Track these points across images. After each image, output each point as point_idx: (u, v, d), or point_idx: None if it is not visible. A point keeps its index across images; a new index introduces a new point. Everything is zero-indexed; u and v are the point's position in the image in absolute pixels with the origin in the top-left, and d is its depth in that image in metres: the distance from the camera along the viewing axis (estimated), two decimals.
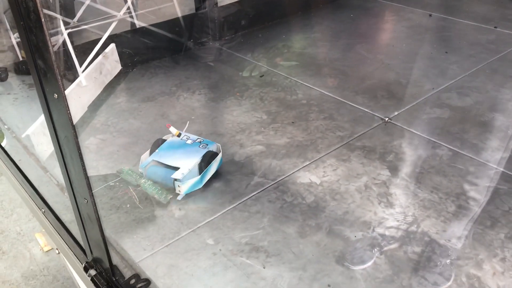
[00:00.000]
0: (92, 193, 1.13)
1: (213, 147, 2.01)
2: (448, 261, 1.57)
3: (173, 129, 2.06)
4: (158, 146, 2.02)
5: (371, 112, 2.40)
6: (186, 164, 1.89)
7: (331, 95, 2.56)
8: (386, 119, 2.33)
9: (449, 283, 1.49)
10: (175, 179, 1.86)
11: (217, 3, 3.22)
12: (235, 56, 3.07)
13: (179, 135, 2.06)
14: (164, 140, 2.06)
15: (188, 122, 2.34)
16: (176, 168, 1.88)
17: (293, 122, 2.35)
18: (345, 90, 2.60)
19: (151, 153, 2.01)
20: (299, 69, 2.87)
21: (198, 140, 2.03)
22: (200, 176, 1.90)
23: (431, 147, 2.12)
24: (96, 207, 1.16)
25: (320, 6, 3.80)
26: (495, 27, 3.26)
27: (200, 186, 1.92)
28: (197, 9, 3.19)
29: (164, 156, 1.96)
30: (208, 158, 1.94)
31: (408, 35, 3.27)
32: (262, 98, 2.57)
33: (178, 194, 1.88)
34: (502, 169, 1.96)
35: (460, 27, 3.33)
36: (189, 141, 2.03)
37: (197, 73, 2.88)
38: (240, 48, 3.16)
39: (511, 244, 1.62)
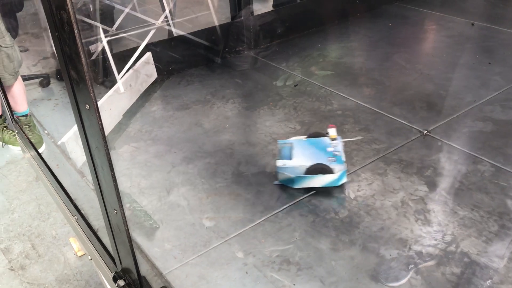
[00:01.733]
0: (121, 204, 1.12)
1: (334, 165, 1.88)
2: (489, 284, 1.48)
3: (332, 130, 2.03)
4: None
5: (408, 124, 2.32)
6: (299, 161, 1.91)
7: (367, 106, 2.50)
8: (425, 131, 2.25)
9: None
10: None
11: (253, 12, 3.22)
12: (270, 65, 3.04)
13: (333, 139, 2.01)
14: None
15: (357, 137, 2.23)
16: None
17: (327, 134, 2.30)
18: (382, 101, 2.53)
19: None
20: (334, 78, 2.81)
21: (336, 153, 1.94)
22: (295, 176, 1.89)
23: (472, 162, 2.03)
24: (125, 218, 1.15)
25: (358, 15, 3.73)
26: None
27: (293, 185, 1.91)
28: (233, 18, 3.19)
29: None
30: (316, 170, 1.87)
31: (449, 45, 3.16)
32: (295, 108, 2.53)
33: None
34: None
35: (504, 37, 3.19)
36: (330, 149, 1.97)
37: (232, 81, 2.87)
38: (275, 57, 3.13)
39: None
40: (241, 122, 2.46)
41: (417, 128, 2.29)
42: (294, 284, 1.53)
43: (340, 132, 2.28)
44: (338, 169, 1.87)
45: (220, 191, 1.97)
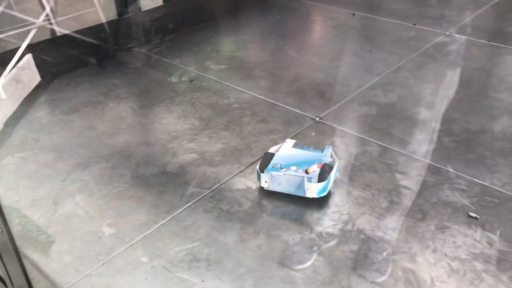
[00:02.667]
0: (6, 221, 1.04)
1: (327, 156, 1.92)
2: (383, 257, 1.60)
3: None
4: (270, 159, 1.91)
5: (302, 113, 2.42)
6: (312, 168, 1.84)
7: (263, 98, 2.55)
8: (317, 119, 2.36)
9: (385, 278, 1.52)
10: (308, 177, 1.79)
11: (141, 8, 3.12)
12: (163, 61, 2.98)
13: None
14: (273, 154, 1.95)
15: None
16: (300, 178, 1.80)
17: (226, 126, 2.32)
18: (276, 92, 2.61)
19: (262, 167, 1.87)
20: (229, 72, 2.84)
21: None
22: (324, 183, 1.80)
23: (361, 144, 2.17)
24: (12, 236, 1.07)
25: (247, 9, 3.79)
26: (414, 24, 3.40)
27: (324, 193, 1.82)
28: (120, 14, 3.07)
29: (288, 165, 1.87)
30: (327, 170, 1.84)
31: (334, 35, 3.34)
32: (193, 104, 2.51)
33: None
34: (428, 162, 2.04)
35: (382, 25, 3.44)
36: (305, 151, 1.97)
37: (125, 80, 2.77)
38: (168, 53, 3.08)
39: (441, 235, 1.68)
40: (137, 122, 2.38)
41: (310, 116, 2.39)
42: (203, 281, 1.53)
43: (239, 125, 2.31)
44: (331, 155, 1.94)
45: (120, 196, 1.90)
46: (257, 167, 1.90)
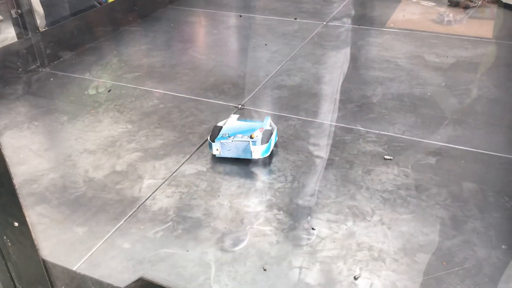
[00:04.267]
0: None
1: (267, 124, 2.25)
2: (330, 201, 1.91)
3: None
4: (219, 131, 2.20)
5: (225, 103, 2.66)
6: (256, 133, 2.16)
7: (185, 96, 2.75)
8: (240, 106, 2.62)
9: (338, 216, 1.84)
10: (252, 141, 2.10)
11: (38, 29, 3.10)
12: (73, 77, 3.01)
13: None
14: (221, 127, 2.24)
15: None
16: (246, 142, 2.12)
17: (159, 125, 2.47)
18: (195, 90, 2.82)
19: (213, 137, 2.17)
20: (144, 78, 2.97)
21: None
22: (267, 145, 2.13)
23: (284, 121, 2.48)
24: None
25: (139, 21, 3.92)
26: (295, 19, 3.84)
27: (267, 153, 2.14)
28: (18, 36, 3.02)
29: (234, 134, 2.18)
30: (267, 134, 2.17)
31: (229, 35, 3.64)
32: (119, 110, 2.61)
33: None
34: (342, 125, 2.42)
35: (268, 23, 3.83)
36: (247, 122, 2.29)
37: (38, 101, 2.75)
38: (76, 69, 3.10)
39: (369, 176, 2.05)
40: (70, 134, 2.42)
41: (233, 104, 2.64)
42: (187, 250, 1.70)
43: (170, 122, 2.48)
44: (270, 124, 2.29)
45: (78, 201, 1.96)
46: (208, 138, 2.20)
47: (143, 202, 1.94)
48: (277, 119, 2.50)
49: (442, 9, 3.94)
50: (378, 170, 2.09)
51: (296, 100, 2.67)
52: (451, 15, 3.79)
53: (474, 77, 2.85)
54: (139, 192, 2.00)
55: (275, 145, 2.25)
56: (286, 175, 2.07)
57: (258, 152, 2.12)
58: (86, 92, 2.82)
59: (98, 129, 2.45)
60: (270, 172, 2.09)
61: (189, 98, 2.73)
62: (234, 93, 2.77)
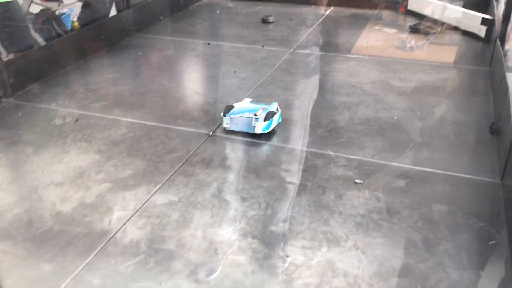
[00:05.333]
0: None
1: (273, 107, 2.65)
2: (304, 227, 1.91)
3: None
4: (231, 109, 2.62)
5: (196, 130, 2.65)
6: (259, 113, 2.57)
7: (155, 124, 2.72)
8: (211, 133, 2.61)
9: (312, 243, 1.83)
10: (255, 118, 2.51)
11: (1, 58, 3.03)
12: (39, 107, 2.94)
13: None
14: (233, 106, 2.66)
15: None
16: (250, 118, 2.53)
17: (128, 154, 2.43)
18: (165, 117, 2.80)
19: (225, 113, 2.60)
20: (112, 107, 2.93)
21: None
22: (268, 122, 2.53)
23: (256, 147, 2.48)
24: None
25: (106, 49, 3.89)
26: (263, 46, 3.90)
27: (268, 129, 2.54)
28: None
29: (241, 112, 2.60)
30: (270, 114, 2.56)
31: (198, 62, 3.65)
32: (87, 140, 2.56)
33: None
34: (312, 150, 2.44)
35: (236, 50, 3.87)
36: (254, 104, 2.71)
37: (1, 133, 2.67)
38: (41, 99, 3.04)
39: (341, 201, 2.06)
40: (36, 166, 2.35)
41: (203, 131, 2.63)
42: (160, 284, 1.65)
43: (140, 151, 2.45)
44: (276, 107, 2.68)
45: (46, 236, 1.89)
46: (222, 113, 2.61)
47: (114, 235, 1.89)
48: (248, 145, 2.50)
49: (404, 36, 4.07)
50: (350, 194, 2.10)
51: None
52: (413, 41, 3.92)
53: (438, 101, 2.94)
54: (109, 224, 1.95)
55: (252, 171, 2.25)
56: (259, 202, 2.06)
57: (260, 127, 2.51)
58: (52, 122, 2.76)
59: (66, 160, 2.39)
60: (243, 199, 2.08)
61: (158, 126, 2.70)
62: (205, 120, 2.76)
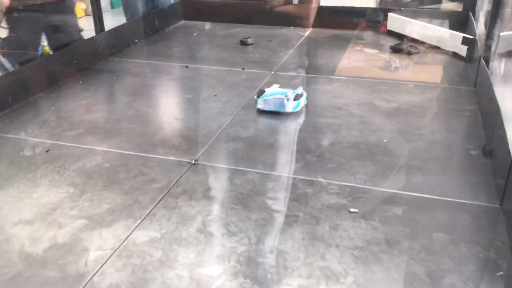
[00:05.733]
0: None
1: (299, 90, 3.09)
2: (300, 263, 1.76)
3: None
4: (263, 93, 3.04)
5: (177, 159, 2.49)
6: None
7: (132, 153, 2.55)
8: (193, 161, 2.46)
9: (309, 280, 1.68)
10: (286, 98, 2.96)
11: None
12: (6, 138, 2.74)
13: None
14: (264, 91, 3.08)
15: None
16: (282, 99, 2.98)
17: (104, 187, 2.25)
18: (143, 145, 2.63)
19: (259, 95, 3.03)
20: (86, 136, 2.75)
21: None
22: (297, 101, 2.98)
23: (242, 175, 2.34)
24: None
25: (79, 74, 3.72)
26: (243, 69, 3.79)
27: (297, 108, 2.98)
28: None
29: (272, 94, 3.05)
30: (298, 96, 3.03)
31: (177, 86, 3.51)
32: (59, 173, 2.37)
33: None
34: (302, 177, 2.31)
35: (216, 73, 3.75)
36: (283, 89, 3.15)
37: None
38: (8, 129, 2.84)
39: (337, 232, 1.92)
40: (1, 202, 2.14)
41: (185, 160, 2.48)
42: None
43: (117, 183, 2.27)
44: (302, 91, 3.11)
45: (15, 281, 1.69)
46: (255, 96, 3.04)
47: (90, 279, 1.70)
48: (233, 173, 2.36)
49: (386, 56, 4.04)
50: (345, 225, 1.97)
51: (253, 152, 2.54)
52: (395, 61, 3.88)
53: (426, 122, 2.87)
54: (85, 266, 1.76)
55: (240, 201, 2.10)
56: (249, 236, 1.91)
57: (290, 106, 2.94)
58: (21, 153, 2.56)
59: (36, 195, 2.19)
60: (232, 234, 1.92)
61: (136, 155, 2.53)
62: (186, 147, 2.61)
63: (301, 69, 3.79)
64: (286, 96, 2.96)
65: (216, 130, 2.79)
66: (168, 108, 3.16)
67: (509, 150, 2.13)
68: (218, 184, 2.28)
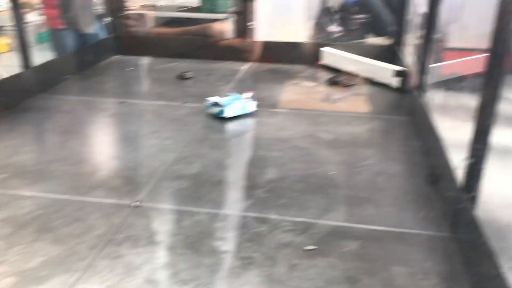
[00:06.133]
0: None
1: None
2: None
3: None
4: (217, 104, 3.29)
5: (117, 201, 2.30)
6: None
7: (68, 197, 2.33)
8: (136, 203, 2.29)
9: None
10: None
11: None
12: None
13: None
14: (217, 102, 3.30)
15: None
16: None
17: (36, 237, 2.02)
18: (79, 189, 2.42)
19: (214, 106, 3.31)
20: (12, 180, 2.49)
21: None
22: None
23: (189, 216, 2.20)
24: None
25: (4, 113, 3.42)
26: (185, 102, 3.68)
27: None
28: None
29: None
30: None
31: (113, 123, 3.33)
32: None
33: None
34: (254, 215, 2.21)
35: (155, 108, 3.61)
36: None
37: None
38: None
39: (295, 273, 1.83)
40: None
41: (126, 202, 2.30)
42: None
43: (51, 232, 2.05)
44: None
45: None
46: (216, 108, 3.28)
47: None
48: (180, 215, 2.21)
49: (324, 89, 4.10)
50: (303, 264, 1.88)
51: (200, 191, 2.42)
52: (333, 93, 3.94)
53: (369, 153, 2.89)
54: None
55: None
56: (203, 284, 1.77)
57: (252, 106, 3.40)
58: None
59: None
60: (184, 282, 1.77)
61: (72, 199, 2.32)
62: (127, 188, 2.43)
63: None
64: (243, 99, 3.33)
65: (159, 169, 2.63)
66: (105, 146, 2.97)
67: (454, 177, 2.17)
68: (165, 227, 2.12)
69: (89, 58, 4.65)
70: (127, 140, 3.06)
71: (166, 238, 2.04)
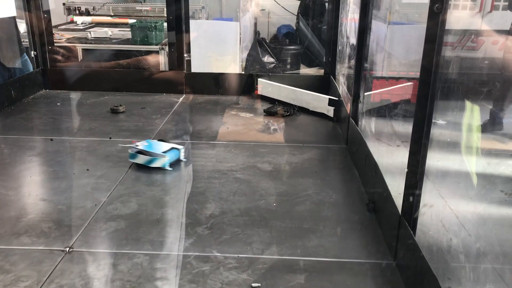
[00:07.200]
0: None
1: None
2: None
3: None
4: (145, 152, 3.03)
5: (47, 248, 2.13)
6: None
7: None
8: (67, 249, 2.12)
9: None
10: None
11: None
12: None
13: None
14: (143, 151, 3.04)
15: None
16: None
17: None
18: (4, 236, 2.22)
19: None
20: None
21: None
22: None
23: (128, 259, 2.07)
24: None
25: None
26: (110, 138, 3.53)
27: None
28: None
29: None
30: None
31: (41, 162, 3.12)
32: None
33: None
34: (196, 253, 2.12)
35: (86, 145, 3.43)
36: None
37: None
38: None
39: None
40: None
41: (58, 248, 2.13)
42: None
43: None
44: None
45: None
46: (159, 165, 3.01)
47: None
48: (117, 258, 2.08)
49: (261, 119, 4.11)
50: None
51: (137, 231, 2.29)
52: (270, 124, 3.96)
53: (310, 182, 2.90)
54: None
55: None
56: None
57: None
58: None
59: None
60: None
61: None
62: (58, 233, 2.26)
63: (179, 135, 3.67)
64: (175, 147, 3.14)
65: (92, 210, 2.48)
66: (33, 188, 2.76)
67: (393, 203, 2.21)
68: (100, 273, 1.98)
69: (14, 93, 4.39)
70: (56, 180, 2.87)
71: (103, 286, 1.90)
